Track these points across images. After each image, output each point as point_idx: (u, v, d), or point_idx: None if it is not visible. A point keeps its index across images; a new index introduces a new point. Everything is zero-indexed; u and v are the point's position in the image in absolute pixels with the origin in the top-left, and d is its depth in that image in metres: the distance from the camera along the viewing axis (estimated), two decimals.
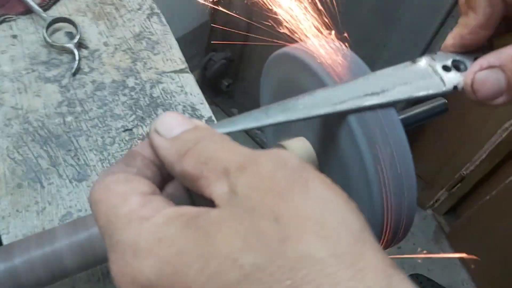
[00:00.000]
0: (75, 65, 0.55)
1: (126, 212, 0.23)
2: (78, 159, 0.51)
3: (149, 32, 0.61)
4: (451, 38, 0.36)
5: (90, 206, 0.25)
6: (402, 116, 0.44)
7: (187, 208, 0.23)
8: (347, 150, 0.39)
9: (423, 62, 0.36)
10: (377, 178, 0.38)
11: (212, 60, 1.87)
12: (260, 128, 0.35)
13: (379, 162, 0.37)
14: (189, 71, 0.59)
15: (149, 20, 0.62)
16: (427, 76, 0.35)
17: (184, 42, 2.12)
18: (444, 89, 0.35)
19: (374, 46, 1.36)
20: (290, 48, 0.45)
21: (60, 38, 0.59)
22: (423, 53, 0.41)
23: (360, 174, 0.39)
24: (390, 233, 0.42)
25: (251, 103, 1.68)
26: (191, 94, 0.58)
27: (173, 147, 0.25)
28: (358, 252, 0.21)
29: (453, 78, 0.35)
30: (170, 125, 0.26)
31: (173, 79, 0.58)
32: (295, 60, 0.43)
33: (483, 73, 0.33)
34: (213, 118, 0.56)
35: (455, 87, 0.35)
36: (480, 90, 0.33)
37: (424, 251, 1.74)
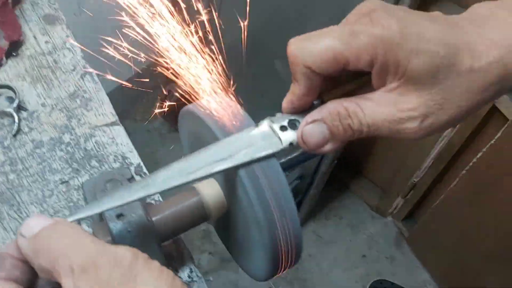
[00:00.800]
0: (15, 128, 0.62)
1: None
2: (21, 212, 0.58)
3: (83, 90, 0.69)
4: (285, 103, 0.43)
5: None
6: (281, 161, 0.52)
7: None
8: (242, 195, 0.47)
9: (264, 124, 0.43)
10: (265, 215, 0.45)
11: (171, 91, 1.94)
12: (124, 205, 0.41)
13: (267, 203, 0.45)
14: (119, 123, 0.66)
15: (83, 79, 0.70)
16: (267, 137, 0.43)
17: (146, 74, 2.18)
18: (281, 147, 0.42)
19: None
20: (192, 106, 0.53)
21: (0, 103, 0.66)
22: None
23: (251, 212, 0.47)
24: (284, 256, 0.49)
25: None
26: (121, 144, 0.65)
27: (31, 245, 0.32)
28: None
29: (289, 136, 0.42)
30: (31, 226, 0.33)
31: (105, 132, 0.65)
32: (196, 117, 0.51)
33: (309, 127, 0.40)
34: (141, 164, 0.63)
35: (291, 144, 0.42)
36: (309, 141, 0.41)
37: (387, 257, 1.82)
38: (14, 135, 0.63)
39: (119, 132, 0.66)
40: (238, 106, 0.50)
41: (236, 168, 0.42)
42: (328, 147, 0.41)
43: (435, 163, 1.54)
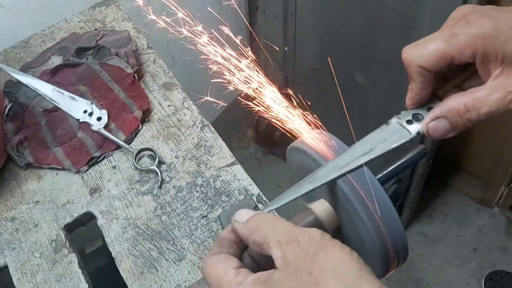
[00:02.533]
0: (159, 181, 0.79)
1: (227, 280, 0.43)
2: (176, 245, 0.73)
3: (204, 140, 0.84)
4: (407, 100, 0.54)
5: (203, 275, 0.45)
6: (378, 176, 0.62)
7: (261, 273, 0.43)
8: (349, 210, 0.58)
9: (393, 121, 0.54)
10: (371, 224, 0.56)
11: (261, 118, 2.08)
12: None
13: (370, 212, 0.56)
14: (238, 163, 0.80)
15: (202, 131, 0.85)
16: (397, 131, 0.53)
17: (235, 106, 2.36)
18: (411, 136, 0.52)
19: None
20: (297, 142, 0.65)
21: (145, 162, 0.83)
22: None
23: (360, 222, 0.57)
24: (394, 259, 0.59)
25: None
26: (242, 180, 0.79)
27: (246, 227, 0.46)
28: (359, 284, 0.40)
29: (416, 128, 0.52)
30: (243, 215, 0.46)
31: (227, 172, 0.80)
32: (303, 152, 0.63)
33: (433, 123, 0.50)
34: (261, 194, 0.77)
35: (418, 133, 0.52)
36: (433, 134, 0.51)
37: (499, 247, 1.80)
38: (160, 187, 0.79)
39: (239, 170, 0.80)
40: (329, 135, 0.62)
41: (376, 158, 0.52)
42: (450, 135, 0.50)
43: None
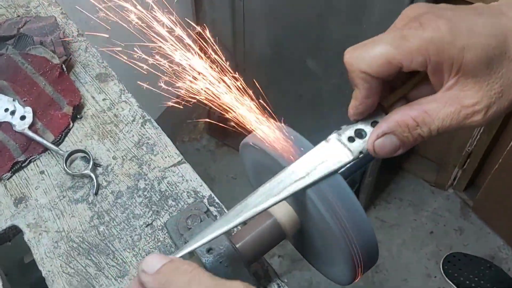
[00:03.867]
0: (95, 186, 0.69)
1: None
2: (117, 259, 0.64)
3: (146, 137, 0.74)
4: (350, 109, 0.47)
5: None
6: (340, 171, 0.56)
7: None
8: (312, 210, 0.51)
9: (333, 139, 0.47)
10: (336, 224, 0.49)
11: (213, 108, 2.00)
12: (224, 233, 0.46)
13: (336, 214, 0.49)
14: (185, 161, 0.72)
15: (144, 127, 0.76)
16: (337, 150, 0.46)
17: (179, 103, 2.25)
18: (352, 157, 0.46)
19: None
20: (250, 138, 0.57)
21: (78, 165, 0.72)
22: None
23: (324, 224, 0.50)
24: (362, 263, 0.53)
25: None
26: (191, 180, 0.70)
27: (155, 280, 0.37)
28: None
29: (358, 146, 0.46)
30: (152, 263, 0.38)
31: (174, 172, 0.71)
32: (256, 148, 0.56)
33: (380, 140, 0.44)
34: (213, 195, 0.69)
35: (360, 152, 0.46)
36: (381, 152, 0.44)
37: (455, 229, 1.81)
38: (96, 193, 0.69)
39: (187, 169, 0.71)
40: (285, 127, 0.54)
41: (314, 183, 0.46)
42: (399, 152, 0.44)
43: (486, 129, 1.53)
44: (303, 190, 0.46)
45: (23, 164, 0.73)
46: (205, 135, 2.13)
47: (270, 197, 0.45)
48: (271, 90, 1.81)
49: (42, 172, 0.73)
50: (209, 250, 0.53)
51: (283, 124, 0.55)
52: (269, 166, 0.56)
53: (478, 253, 1.73)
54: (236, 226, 0.44)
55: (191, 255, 0.58)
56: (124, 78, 0.81)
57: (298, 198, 0.55)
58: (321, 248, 0.58)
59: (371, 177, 1.71)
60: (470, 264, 1.68)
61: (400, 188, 1.93)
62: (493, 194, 1.67)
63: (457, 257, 1.70)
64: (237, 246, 0.55)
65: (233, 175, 2.01)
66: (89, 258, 0.65)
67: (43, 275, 0.64)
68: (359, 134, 0.47)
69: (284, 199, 0.46)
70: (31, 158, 0.73)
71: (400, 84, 0.48)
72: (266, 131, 0.54)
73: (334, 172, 0.47)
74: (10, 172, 0.72)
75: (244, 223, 0.46)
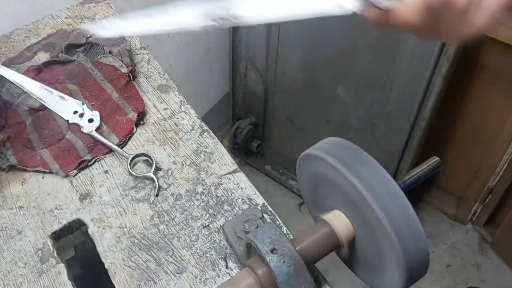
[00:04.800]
0: (156, 188, 0.74)
1: None
2: (175, 256, 0.69)
3: (204, 146, 0.80)
4: None
5: None
6: (401, 184, 0.61)
7: None
8: (371, 219, 0.56)
9: None
10: (398, 238, 0.53)
11: (239, 127, 2.06)
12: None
13: (397, 226, 0.53)
14: (240, 170, 0.77)
15: (202, 137, 0.81)
16: None
17: (212, 115, 2.33)
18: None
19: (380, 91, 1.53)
20: (312, 150, 0.62)
21: (140, 167, 0.78)
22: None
23: (385, 237, 0.55)
24: (415, 274, 0.57)
25: (281, 158, 1.89)
26: (245, 188, 0.75)
27: None
28: None
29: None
30: None
31: (230, 179, 0.76)
32: (320, 160, 0.60)
33: None
34: (266, 203, 0.73)
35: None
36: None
37: (473, 264, 1.83)
38: (157, 195, 0.74)
39: (242, 178, 0.76)
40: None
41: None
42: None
43: (510, 165, 1.56)
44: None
45: (89, 163, 0.78)
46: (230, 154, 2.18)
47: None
48: (299, 114, 1.87)
49: (106, 172, 0.78)
50: (272, 250, 0.57)
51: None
52: (330, 178, 0.60)
53: None
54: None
55: (252, 254, 0.62)
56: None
57: (355, 208, 0.59)
58: (373, 259, 0.61)
59: None
60: None
61: (419, 219, 1.94)
62: None
63: None
64: (296, 249, 0.59)
65: None
66: (150, 253, 0.69)
67: (106, 267, 0.69)
68: None
69: None
70: (96, 158, 0.79)
71: None
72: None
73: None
74: (77, 169, 0.77)
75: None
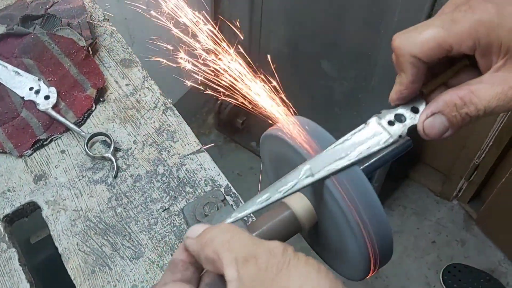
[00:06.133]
0: (115, 169, 0.70)
1: None
2: (132, 241, 0.65)
3: (167, 124, 0.76)
4: (394, 94, 0.48)
5: None
6: (362, 167, 0.57)
7: None
8: (331, 204, 0.52)
9: (373, 122, 0.48)
10: (355, 218, 0.50)
11: (223, 103, 2.01)
12: (260, 209, 0.48)
13: (356, 207, 0.50)
14: (204, 151, 0.73)
15: (165, 114, 0.77)
16: (377, 133, 0.48)
17: (194, 92, 2.27)
18: (391, 140, 0.47)
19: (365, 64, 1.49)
20: (273, 130, 0.58)
21: (98, 147, 0.74)
22: None
23: (342, 218, 0.51)
24: (378, 260, 0.54)
25: None
26: (209, 169, 0.71)
27: (198, 241, 0.39)
28: None
29: (397, 130, 0.47)
30: (196, 229, 0.39)
31: (193, 160, 0.72)
32: (279, 140, 0.57)
33: (429, 120, 0.45)
34: (230, 185, 0.70)
35: (400, 136, 0.47)
36: (430, 132, 0.45)
37: (457, 240, 1.82)
38: (115, 176, 0.70)
39: (205, 158, 0.72)
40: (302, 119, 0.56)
41: (353, 164, 0.47)
42: (447, 134, 0.45)
43: (496, 142, 1.53)
44: (342, 169, 0.48)
45: (45, 143, 0.74)
46: (213, 130, 2.13)
47: (310, 176, 0.47)
48: (284, 88, 1.83)
49: (63, 152, 0.74)
50: None
51: (299, 117, 0.57)
52: (291, 158, 0.57)
53: (479, 265, 1.73)
54: (278, 200, 0.46)
55: None
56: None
57: (316, 192, 0.56)
58: (336, 243, 0.58)
59: (377, 183, 1.72)
60: (470, 275, 1.69)
61: (405, 196, 1.93)
62: (498, 208, 1.67)
63: (457, 268, 1.71)
64: (253, 235, 0.56)
65: (239, 172, 2.02)
66: (105, 238, 0.66)
67: (59, 251, 0.65)
68: (399, 118, 0.48)
69: (324, 178, 0.47)
70: (52, 137, 0.75)
71: (440, 71, 0.49)
72: (287, 123, 0.55)
73: (373, 154, 0.48)
74: (32, 149, 0.73)
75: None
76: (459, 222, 1.86)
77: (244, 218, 0.47)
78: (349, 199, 0.50)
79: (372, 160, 0.59)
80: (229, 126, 2.11)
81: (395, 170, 1.88)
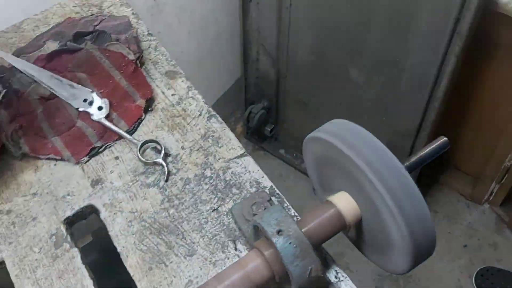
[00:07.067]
0: (166, 173, 0.75)
1: None
2: (186, 239, 0.70)
3: (212, 131, 0.80)
4: None
5: None
6: (406, 164, 0.60)
7: None
8: (377, 201, 0.56)
9: None
10: (403, 218, 0.54)
11: (252, 112, 2.06)
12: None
13: (401, 206, 0.53)
14: (248, 154, 0.77)
15: (209, 122, 0.81)
16: None
17: (225, 100, 2.34)
18: None
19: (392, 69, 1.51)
20: (318, 133, 0.62)
21: (149, 153, 0.79)
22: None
23: (390, 217, 0.55)
24: (422, 254, 0.57)
25: (294, 142, 1.89)
26: (253, 172, 0.76)
27: None
28: None
29: None
30: None
31: (238, 163, 0.77)
32: (323, 141, 0.61)
33: None
34: (274, 187, 0.74)
35: None
36: None
37: (490, 244, 1.82)
38: (166, 180, 0.75)
39: (249, 161, 0.77)
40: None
41: None
42: None
43: None
44: None
45: (100, 150, 0.80)
46: (242, 139, 2.18)
47: None
48: (312, 97, 1.86)
49: (116, 158, 0.79)
50: (278, 232, 0.58)
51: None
52: (336, 160, 0.60)
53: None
54: None
55: (260, 236, 0.63)
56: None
57: (361, 190, 0.59)
58: (380, 238, 0.62)
59: None
60: (503, 279, 1.68)
61: (436, 200, 1.94)
62: None
63: (490, 271, 1.71)
64: (303, 230, 0.60)
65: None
66: (160, 237, 0.70)
67: (118, 250, 0.70)
68: None
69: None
70: (106, 145, 0.80)
71: None
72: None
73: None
74: (88, 156, 0.79)
75: None
76: (490, 226, 1.85)
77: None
78: (393, 195, 0.54)
79: (413, 159, 0.63)
80: (257, 134, 2.16)
81: (425, 175, 1.89)
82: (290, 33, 1.73)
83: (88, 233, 1.20)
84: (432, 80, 1.45)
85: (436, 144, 0.65)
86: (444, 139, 0.65)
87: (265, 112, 2.06)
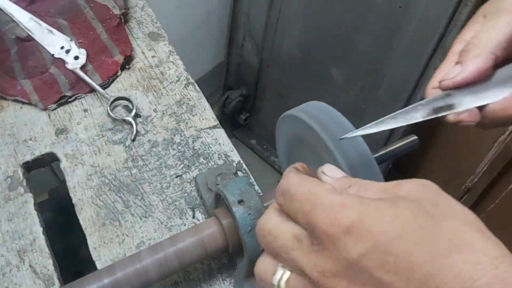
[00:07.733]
0: (134, 133, 0.73)
1: (325, 189, 0.36)
2: (144, 201, 0.69)
3: (187, 98, 0.79)
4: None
5: (282, 190, 0.38)
6: (376, 155, 0.61)
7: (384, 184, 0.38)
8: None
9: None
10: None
11: (229, 98, 2.05)
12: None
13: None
14: (221, 127, 0.76)
15: (186, 89, 0.80)
16: None
17: (203, 82, 2.32)
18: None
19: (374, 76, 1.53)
20: (293, 111, 0.62)
21: (120, 111, 0.77)
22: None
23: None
24: None
25: (267, 134, 1.89)
26: (223, 144, 0.75)
27: (337, 183, 0.41)
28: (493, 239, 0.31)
29: None
30: (335, 172, 0.42)
31: (209, 134, 0.76)
32: (299, 120, 0.60)
33: None
34: (241, 162, 0.73)
35: None
36: None
37: None
38: (133, 140, 0.74)
39: (221, 134, 0.76)
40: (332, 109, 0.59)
41: None
42: None
43: (490, 168, 1.58)
44: None
45: (69, 99, 0.77)
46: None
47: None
48: (291, 91, 1.87)
49: (85, 110, 0.77)
50: (240, 201, 0.57)
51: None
52: (308, 140, 0.60)
53: None
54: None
55: (220, 203, 0.63)
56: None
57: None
58: None
59: None
60: None
61: None
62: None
63: None
64: (264, 205, 0.60)
65: None
66: (119, 195, 0.69)
67: (73, 202, 0.68)
68: None
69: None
70: (77, 95, 0.78)
71: None
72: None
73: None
74: (56, 104, 0.77)
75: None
76: None
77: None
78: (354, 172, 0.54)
79: (381, 152, 0.63)
80: (231, 121, 2.15)
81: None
82: (278, 24, 1.72)
83: (44, 190, 1.17)
84: (409, 91, 1.47)
85: (406, 141, 0.65)
86: (414, 137, 0.66)
87: (242, 99, 2.05)
